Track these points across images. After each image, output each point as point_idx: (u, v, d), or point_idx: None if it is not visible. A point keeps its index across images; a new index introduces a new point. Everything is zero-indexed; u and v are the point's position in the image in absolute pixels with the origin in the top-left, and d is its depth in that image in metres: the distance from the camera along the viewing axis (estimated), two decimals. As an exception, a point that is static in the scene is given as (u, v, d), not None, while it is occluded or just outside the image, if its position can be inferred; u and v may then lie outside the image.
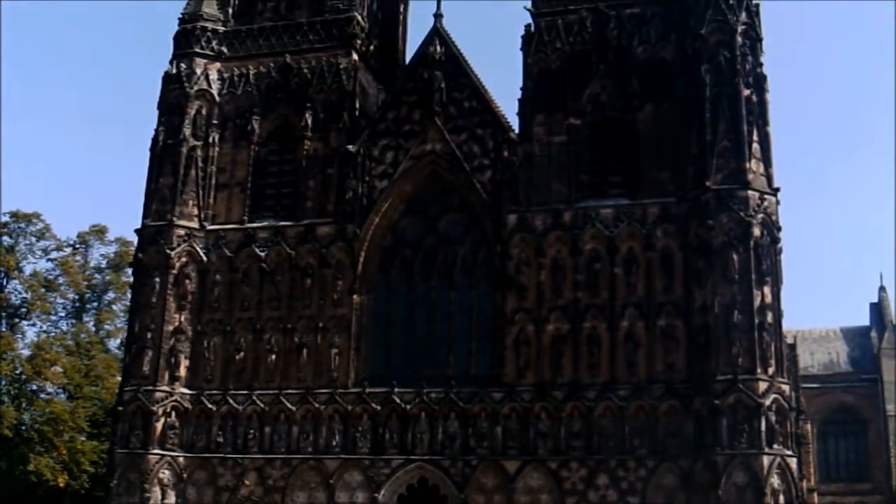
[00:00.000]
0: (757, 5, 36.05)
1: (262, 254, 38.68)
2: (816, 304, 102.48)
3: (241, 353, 38.00)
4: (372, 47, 42.40)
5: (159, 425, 37.02)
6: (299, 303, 37.84)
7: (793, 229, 36.40)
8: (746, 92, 34.78)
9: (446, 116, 38.45)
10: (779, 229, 33.99)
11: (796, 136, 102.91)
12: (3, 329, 57.76)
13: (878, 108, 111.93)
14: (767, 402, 31.79)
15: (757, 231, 33.42)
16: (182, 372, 37.97)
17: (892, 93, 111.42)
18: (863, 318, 69.08)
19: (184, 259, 38.90)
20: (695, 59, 35.50)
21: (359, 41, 40.95)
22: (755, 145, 34.36)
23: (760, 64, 35.59)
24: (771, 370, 32.31)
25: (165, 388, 37.39)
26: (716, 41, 35.36)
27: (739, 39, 35.36)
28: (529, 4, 38.61)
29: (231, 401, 37.33)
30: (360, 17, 41.24)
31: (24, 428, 55.28)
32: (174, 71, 41.07)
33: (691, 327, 33.75)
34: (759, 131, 34.62)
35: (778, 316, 33.12)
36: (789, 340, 41.94)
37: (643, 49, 37.16)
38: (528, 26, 38.43)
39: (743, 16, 35.59)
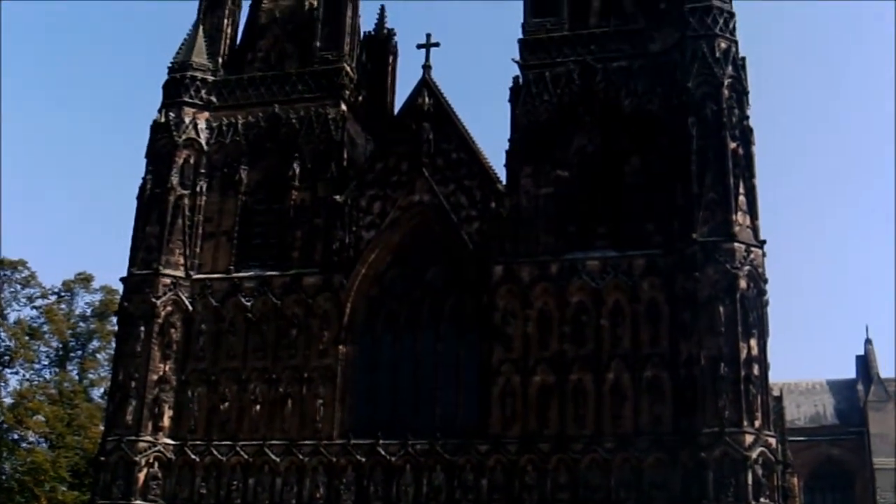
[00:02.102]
0: (743, 59, 36.34)
1: (248, 303, 38.54)
2: (803, 357, 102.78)
3: (226, 404, 37.67)
4: (360, 98, 42.58)
5: (142, 476, 36.57)
6: (285, 353, 37.62)
7: (779, 282, 36.53)
8: (733, 145, 34.95)
9: (434, 167, 38.54)
10: (765, 281, 34.03)
11: (783, 188, 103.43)
12: (-14, 377, 57.40)
13: (865, 161, 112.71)
14: (754, 455, 31.63)
15: (743, 283, 33.43)
16: (166, 422, 37.57)
17: (885, 147, 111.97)
18: (849, 371, 69.21)
19: (169, 308, 38.68)
20: (681, 112, 35.68)
21: (347, 92, 41.14)
22: (741, 198, 34.47)
23: (747, 117, 35.78)
24: (757, 423, 32.17)
25: (149, 438, 36.98)
26: (702, 94, 35.57)
27: (726, 92, 35.57)
28: (517, 57, 38.88)
29: (215, 451, 36.97)
30: (348, 68, 41.45)
31: (4, 477, 54.84)
32: (163, 120, 41.11)
33: (677, 379, 33.62)
34: (745, 184, 34.75)
35: (764, 368, 33.04)
36: (776, 393, 41.84)
37: (630, 101, 37.36)
38: (515, 78, 38.65)
39: (729, 69, 35.85)
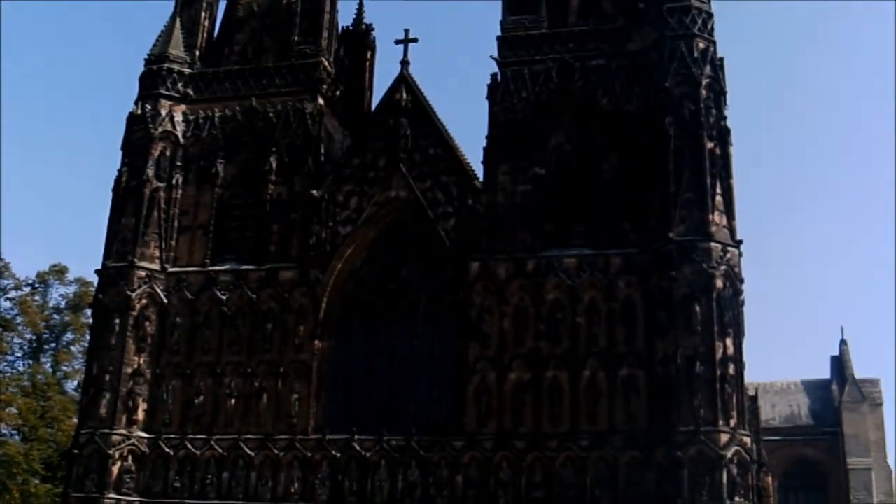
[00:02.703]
0: (721, 59, 36.39)
1: (224, 297, 38.39)
2: (778, 357, 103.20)
3: (201, 398, 37.53)
4: (338, 93, 42.48)
5: (115, 469, 36.42)
6: (260, 347, 37.52)
7: (755, 282, 36.63)
8: (710, 145, 35.01)
9: (411, 163, 38.48)
10: (741, 281, 34.10)
11: (760, 188, 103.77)
12: (-41, 369, 57.04)
13: (840, 161, 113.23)
14: (729, 454, 31.71)
15: (719, 283, 33.49)
16: (140, 415, 37.41)
17: (864, 147, 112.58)
18: (824, 372, 69.54)
19: (144, 301, 38.51)
20: (659, 111, 35.71)
21: (325, 86, 41.00)
22: (718, 198, 34.54)
23: (724, 117, 35.84)
24: (733, 422, 32.24)
25: (122, 431, 36.83)
26: (680, 94, 35.60)
27: (703, 92, 35.62)
28: (496, 53, 38.84)
29: (189, 445, 36.83)
30: (326, 63, 41.31)
31: (-25, 470, 54.41)
32: (139, 112, 40.88)
33: (653, 378, 33.65)
34: (722, 184, 34.81)
35: (740, 368, 33.10)
36: (751, 393, 41.95)
37: (608, 100, 37.37)
38: (494, 75, 38.59)
39: (707, 69, 35.91)
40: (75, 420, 43.11)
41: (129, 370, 37.56)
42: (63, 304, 61.70)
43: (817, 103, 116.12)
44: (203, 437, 36.89)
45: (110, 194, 40.32)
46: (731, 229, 34.48)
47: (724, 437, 31.85)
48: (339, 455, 35.48)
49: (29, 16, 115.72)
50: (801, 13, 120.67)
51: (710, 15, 36.86)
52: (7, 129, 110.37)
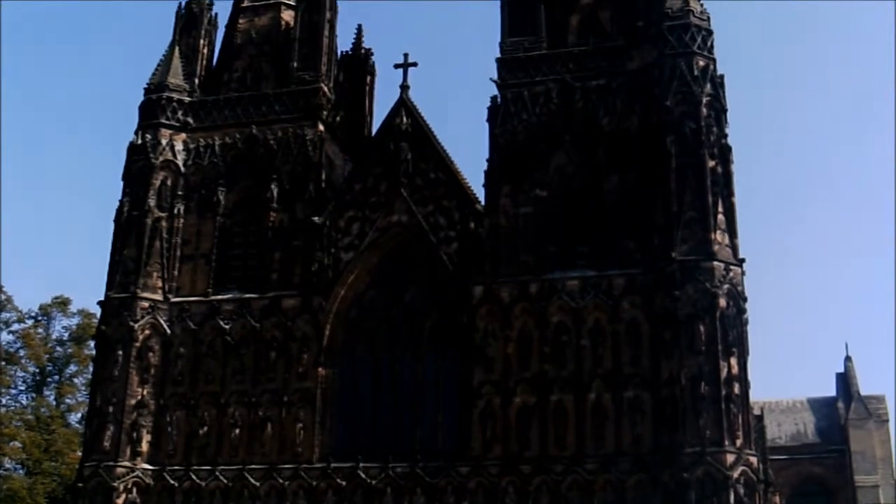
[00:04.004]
0: (722, 76, 36.39)
1: (227, 326, 38.27)
2: (783, 375, 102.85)
3: (205, 428, 37.36)
4: (338, 118, 42.48)
5: (120, 502, 36.16)
6: (264, 376, 37.36)
7: (758, 300, 36.46)
8: (711, 163, 34.96)
9: (412, 188, 38.43)
10: (745, 300, 33.95)
11: (762, 206, 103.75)
12: (-38, 403, 56.88)
13: (841, 178, 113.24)
14: (735, 474, 31.50)
15: (723, 302, 33.37)
16: (144, 447, 37.23)
17: (866, 164, 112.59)
18: (829, 389, 69.15)
19: (147, 332, 38.40)
20: (660, 130, 35.67)
21: (325, 112, 41.00)
22: (720, 216, 34.46)
23: (725, 135, 35.82)
24: (739, 442, 32.07)
25: (127, 463, 36.62)
26: (681, 112, 35.58)
27: (704, 111, 35.60)
28: (496, 76, 38.83)
29: (194, 476, 36.63)
30: (326, 89, 41.33)
31: (-21, 505, 54.20)
32: (139, 141, 40.89)
33: (658, 399, 33.49)
34: (724, 202, 34.74)
35: (745, 387, 32.95)
36: (757, 412, 41.69)
37: (609, 120, 37.34)
38: (494, 98, 38.58)
39: (707, 87, 35.90)
40: (79, 453, 42.92)
41: (133, 401, 37.40)
42: (66, 336, 61.62)
43: (821, 116, 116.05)
44: (208, 467, 36.68)
45: (112, 225, 40.24)
46: (734, 248, 34.37)
47: (731, 458, 31.65)
48: (344, 483, 35.27)
49: (28, 44, 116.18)
50: (803, 23, 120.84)
51: (710, 32, 36.86)
52: (7, 160, 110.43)
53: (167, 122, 41.25)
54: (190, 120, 41.59)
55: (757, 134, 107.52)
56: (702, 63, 36.22)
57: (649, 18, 37.64)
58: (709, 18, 37.25)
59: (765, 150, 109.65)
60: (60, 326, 61.97)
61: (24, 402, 59.70)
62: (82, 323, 60.23)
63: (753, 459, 32.48)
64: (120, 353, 37.85)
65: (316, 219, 38.82)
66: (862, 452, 63.37)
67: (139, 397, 37.57)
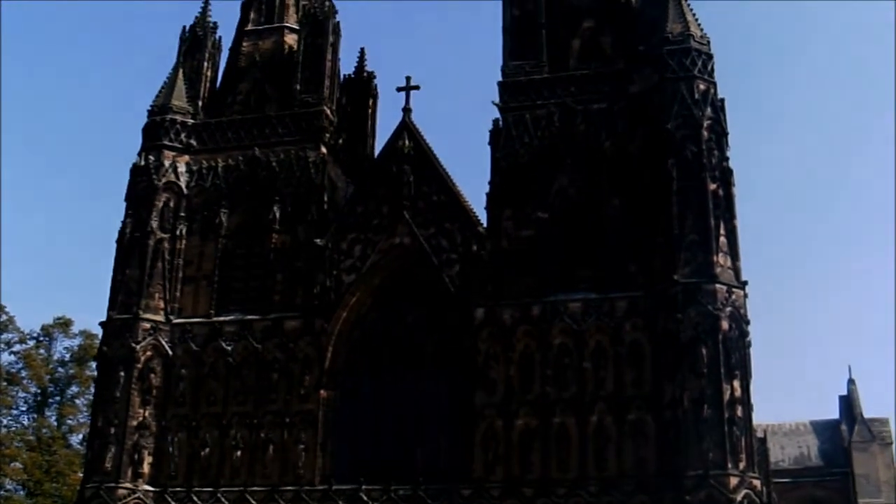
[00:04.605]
0: (722, 100, 36.51)
1: (229, 348, 38.25)
2: (786, 398, 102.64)
3: (207, 449, 37.29)
4: (341, 141, 42.59)
5: (122, 523, 36.21)
6: (266, 398, 37.30)
7: (761, 322, 36.48)
8: (713, 186, 35.03)
9: (414, 210, 38.49)
10: (747, 322, 33.95)
11: (763, 228, 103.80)
12: (-37, 423, 56.86)
13: (842, 200, 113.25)
14: (739, 497, 31.43)
15: (725, 325, 33.37)
16: (146, 468, 37.16)
17: (867, 186, 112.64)
18: (832, 412, 69.04)
19: (149, 353, 38.40)
20: (661, 153, 35.73)
21: (327, 135, 41.10)
22: (722, 239, 34.49)
23: (726, 158, 35.91)
24: (742, 465, 32.01)
25: (128, 484, 36.53)
26: (682, 136, 35.67)
27: (705, 134, 35.70)
28: (497, 99, 38.94)
29: (195, 498, 36.56)
30: (328, 111, 41.46)
31: (-20, 526, 54.15)
32: (142, 163, 40.98)
33: (661, 421, 33.42)
34: (725, 225, 34.78)
35: (748, 410, 32.91)
36: (760, 434, 41.63)
37: (610, 143, 37.38)
38: (496, 121, 38.67)
39: (708, 111, 36.01)
40: (81, 474, 42.82)
41: (135, 423, 37.36)
42: (67, 357, 61.73)
43: (821, 136, 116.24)
44: (209, 489, 36.61)
45: (114, 246, 40.28)
46: (736, 270, 34.40)
47: (734, 481, 31.58)
48: (346, 505, 35.24)
49: (32, 66, 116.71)
50: (804, 43, 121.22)
51: (710, 56, 37.02)
52: (10, 180, 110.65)
53: (170, 143, 41.34)
54: (193, 142, 41.68)
55: (760, 156, 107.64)
56: (702, 87, 36.35)
57: (650, 43, 37.78)
58: (709, 43, 37.42)
59: (768, 172, 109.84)
60: (62, 347, 62.18)
61: (26, 422, 59.83)
62: (84, 344, 60.31)
63: (757, 482, 32.40)
64: (122, 374, 37.83)
65: (318, 241, 38.86)
66: (866, 475, 63.24)
67: (141, 418, 37.53)
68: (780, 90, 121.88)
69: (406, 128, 39.99)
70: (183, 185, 40.95)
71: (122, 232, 40.24)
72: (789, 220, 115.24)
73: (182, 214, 40.49)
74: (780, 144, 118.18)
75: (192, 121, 41.99)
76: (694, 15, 38.10)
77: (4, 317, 60.27)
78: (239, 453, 36.92)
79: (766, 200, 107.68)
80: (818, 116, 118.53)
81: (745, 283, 34.34)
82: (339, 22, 43.87)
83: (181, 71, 42.98)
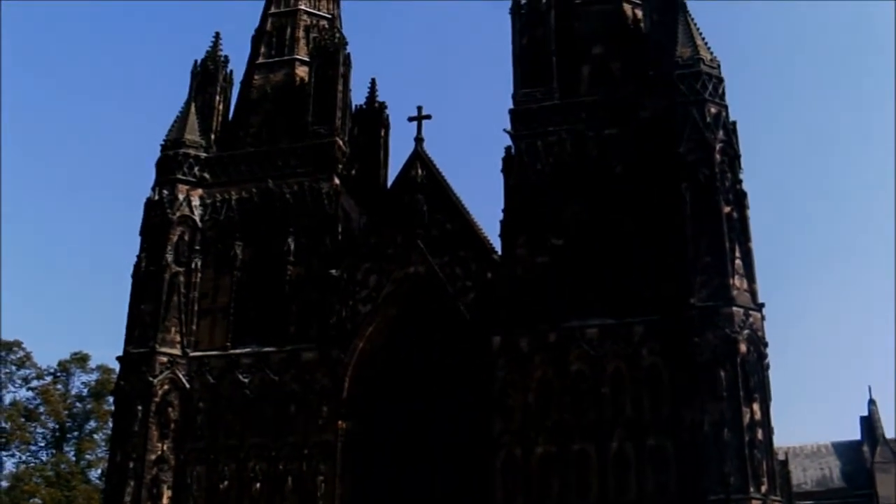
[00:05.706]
0: (734, 123, 36.54)
1: (246, 380, 38.24)
2: (807, 420, 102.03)
3: (225, 482, 37.20)
4: (353, 171, 42.69)
5: (142, 558, 36.14)
6: (283, 429, 37.25)
7: (780, 344, 36.32)
8: (727, 209, 35.01)
9: (428, 239, 38.51)
10: (765, 345, 33.84)
11: (781, 250, 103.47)
12: (-18, 460, 56.96)
13: (863, 221, 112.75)
14: (761, 520, 31.30)
15: (743, 347, 33.25)
16: (165, 502, 37.09)
17: (882, 205, 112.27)
18: (854, 433, 68.60)
19: (166, 387, 38.41)
20: (674, 177, 35.74)
21: (340, 166, 41.21)
22: (738, 261, 34.43)
23: (740, 181, 35.93)
24: (764, 488, 31.82)
25: (148, 519, 36.58)
26: (694, 159, 35.69)
27: (717, 157, 35.72)
28: (509, 127, 39.00)
29: (215, 531, 36.55)
30: (341, 142, 41.57)
31: (1, 563, 54.12)
32: (156, 197, 41.13)
33: (681, 446, 33.28)
34: (741, 248, 34.74)
35: (768, 432, 32.76)
36: (781, 457, 41.31)
37: (622, 168, 37.38)
38: (508, 148, 38.77)
39: (720, 134, 36.03)
40: (100, 509, 42.87)
41: (153, 457, 37.35)
42: (85, 392, 61.85)
43: (835, 157, 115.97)
44: (229, 523, 36.56)
45: (130, 280, 40.39)
46: (753, 293, 34.31)
47: (756, 504, 31.40)
48: (365, 536, 35.14)
49: (44, 100, 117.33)
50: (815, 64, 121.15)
51: (721, 80, 37.07)
52: (26, 216, 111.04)
53: (184, 177, 41.48)
54: (206, 175, 41.81)
55: (776, 176, 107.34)
56: (713, 110, 36.39)
57: (660, 67, 37.85)
58: (719, 66, 37.49)
59: (785, 194, 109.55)
60: (80, 382, 62.33)
61: (44, 458, 59.87)
62: (101, 378, 60.43)
63: (779, 506, 32.24)
64: (139, 408, 37.84)
65: (333, 271, 38.91)
66: (889, 497, 62.65)
67: (159, 452, 37.52)
68: (798, 111, 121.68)
69: (418, 157, 40.09)
70: (197, 218, 41.06)
71: (137, 266, 40.35)
72: (805, 240, 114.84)
73: (197, 247, 40.59)
74: (799, 165, 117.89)
75: (205, 154, 42.14)
76: (703, 38, 38.18)
77: (21, 353, 60.52)
78: (258, 485, 36.84)
79: (781, 220, 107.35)
80: (834, 130, 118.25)
81: (762, 305, 34.29)
82: (349, 53, 44.08)
83: (193, 105, 43.15)
